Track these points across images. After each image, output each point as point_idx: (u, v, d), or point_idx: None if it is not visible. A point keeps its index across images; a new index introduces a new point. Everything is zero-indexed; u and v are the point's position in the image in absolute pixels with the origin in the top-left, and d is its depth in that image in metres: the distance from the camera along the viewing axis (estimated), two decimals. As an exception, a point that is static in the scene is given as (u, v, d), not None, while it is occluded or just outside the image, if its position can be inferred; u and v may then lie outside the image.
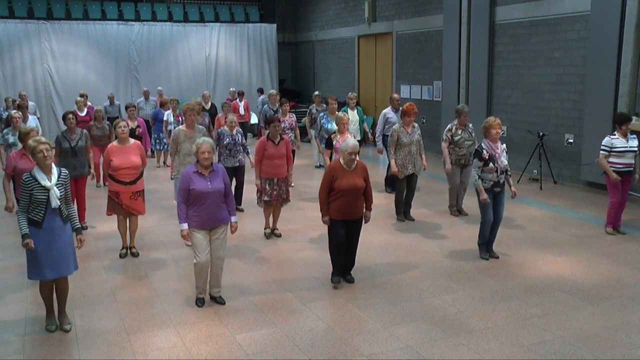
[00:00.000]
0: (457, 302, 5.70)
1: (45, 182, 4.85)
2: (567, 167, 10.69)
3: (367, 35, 16.70)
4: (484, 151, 6.57)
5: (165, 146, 12.33)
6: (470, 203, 8.80)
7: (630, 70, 9.27)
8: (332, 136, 8.21)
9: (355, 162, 5.86)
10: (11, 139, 8.49)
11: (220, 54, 18.66)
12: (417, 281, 6.23)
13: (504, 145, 6.77)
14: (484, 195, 6.57)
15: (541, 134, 10.72)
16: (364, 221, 6.12)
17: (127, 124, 7.02)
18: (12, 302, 5.84)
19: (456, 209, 8.80)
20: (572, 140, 10.45)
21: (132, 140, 6.93)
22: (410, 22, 14.73)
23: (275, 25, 19.54)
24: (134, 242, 7.17)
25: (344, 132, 7.96)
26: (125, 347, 4.89)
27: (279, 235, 7.76)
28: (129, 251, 7.12)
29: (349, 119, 8.25)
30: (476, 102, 12.57)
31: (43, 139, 5.01)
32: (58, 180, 4.95)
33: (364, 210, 6.07)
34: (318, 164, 12.63)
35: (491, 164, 6.54)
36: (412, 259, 6.93)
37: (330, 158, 8.21)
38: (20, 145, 7.23)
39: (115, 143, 6.87)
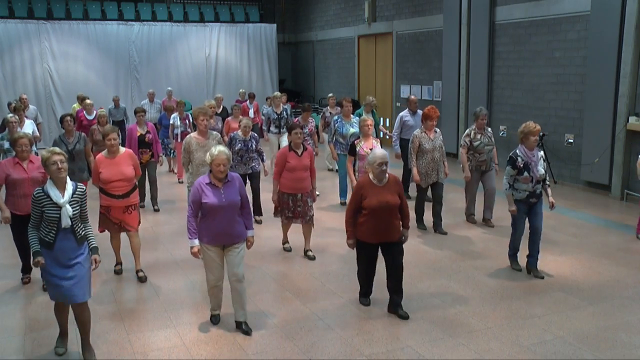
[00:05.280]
0: (457, 302, 5.70)
1: (57, 199, 4.39)
2: (567, 167, 10.69)
3: (367, 35, 16.70)
4: (519, 159, 6.09)
5: (173, 151, 11.72)
6: (499, 212, 8.34)
7: (630, 70, 9.27)
8: (355, 142, 7.60)
9: (387, 175, 5.27)
10: (6, 144, 7.88)
11: (220, 54, 18.65)
12: (417, 281, 6.23)
13: (542, 153, 6.28)
14: (513, 207, 6.18)
15: (541, 134, 10.71)
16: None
17: (118, 136, 6.29)
18: (12, 302, 5.84)
19: (482, 219, 8.25)
20: (572, 140, 10.45)
21: (122, 149, 6.30)
22: (410, 22, 14.73)
23: (275, 25, 19.55)
24: (140, 264, 6.49)
25: (368, 135, 7.53)
26: (125, 347, 4.89)
27: (313, 258, 6.92)
28: (135, 274, 6.47)
29: (373, 121, 7.74)
30: (476, 102, 12.56)
31: (57, 149, 4.54)
32: (72, 197, 4.49)
33: (402, 229, 5.40)
34: (332, 168, 12.13)
35: (526, 173, 6.06)
36: (412, 259, 6.92)
37: (354, 165, 7.62)
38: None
39: (104, 153, 6.23)
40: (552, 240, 7.53)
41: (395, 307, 5.39)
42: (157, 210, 9.23)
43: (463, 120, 12.95)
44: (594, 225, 8.23)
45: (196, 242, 4.96)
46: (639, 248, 7.21)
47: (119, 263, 6.60)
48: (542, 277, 6.23)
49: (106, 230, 6.34)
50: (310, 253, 6.98)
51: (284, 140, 11.34)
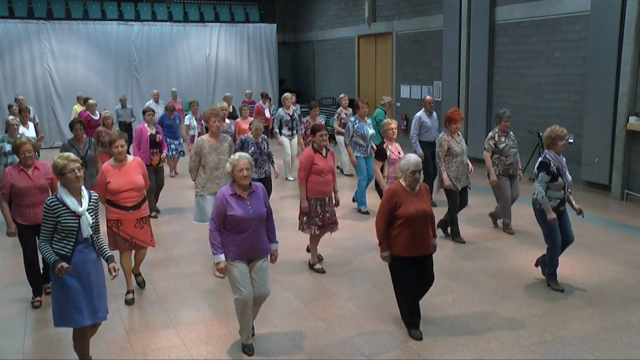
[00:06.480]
0: (457, 302, 5.70)
1: (76, 208, 4.13)
2: (567, 167, 10.66)
3: (367, 35, 16.70)
4: (552, 163, 5.80)
5: (176, 153, 11.42)
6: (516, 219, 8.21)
7: (630, 70, 9.27)
8: (384, 146, 7.30)
9: (419, 183, 4.98)
10: (7, 147, 7.65)
11: (220, 54, 18.66)
12: (417, 281, 6.23)
13: (564, 159, 6.04)
14: (552, 215, 5.75)
15: (541, 134, 10.68)
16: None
17: (125, 143, 5.84)
18: (12, 302, 5.84)
19: (490, 214, 8.15)
20: (572, 140, 10.43)
21: (130, 157, 5.88)
22: (410, 22, 14.74)
23: (275, 25, 19.56)
24: (139, 269, 6.18)
25: (392, 139, 7.29)
26: (125, 347, 4.90)
27: (321, 259, 6.84)
28: (134, 281, 6.09)
29: (397, 124, 7.48)
30: (476, 102, 12.58)
31: (72, 156, 4.25)
32: (89, 205, 4.24)
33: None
34: (348, 172, 11.66)
35: (560, 179, 5.80)
36: (412, 259, 6.92)
37: (382, 170, 7.30)
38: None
39: (111, 162, 5.74)
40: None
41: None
42: (158, 211, 9.15)
43: (463, 121, 12.90)
44: (594, 225, 8.23)
45: (222, 257, 4.58)
46: (639, 248, 7.21)
47: (130, 291, 5.89)
48: (562, 290, 5.97)
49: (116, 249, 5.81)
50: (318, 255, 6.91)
51: (295, 143, 11.25)
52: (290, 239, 7.65)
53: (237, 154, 4.68)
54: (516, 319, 5.29)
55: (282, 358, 4.69)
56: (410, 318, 5.02)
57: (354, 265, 6.74)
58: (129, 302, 5.79)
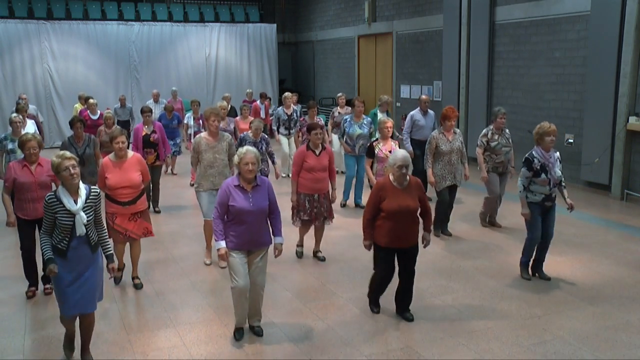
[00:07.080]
0: (457, 302, 5.70)
1: (70, 206, 4.22)
2: (567, 167, 10.68)
3: (367, 35, 16.70)
4: (535, 160, 5.92)
5: (178, 151, 11.54)
6: (504, 213, 8.41)
7: (630, 70, 9.27)
8: (374, 143, 7.51)
9: (408, 178, 5.07)
10: (10, 145, 7.71)
11: (220, 54, 18.65)
12: (417, 281, 6.18)
13: (558, 154, 6.10)
14: (526, 210, 6.00)
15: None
16: (422, 245, 5.29)
17: (126, 139, 6.03)
18: (12, 302, 5.84)
19: (489, 221, 8.19)
20: (572, 140, 10.45)
21: (131, 153, 6.02)
22: (410, 22, 14.74)
23: (275, 25, 19.54)
24: (137, 271, 6.28)
25: (387, 138, 7.45)
26: (125, 347, 4.90)
27: (323, 259, 6.91)
28: (131, 281, 6.26)
29: (392, 123, 7.61)
30: (476, 102, 12.58)
31: (68, 154, 4.34)
32: (86, 203, 4.31)
33: (424, 232, 5.25)
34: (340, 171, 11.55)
35: (543, 176, 5.90)
36: (412, 259, 6.92)
37: (371, 167, 7.50)
38: (19, 153, 6.22)
39: (111, 157, 5.93)
40: (552, 240, 7.51)
41: (403, 310, 5.36)
42: (158, 212, 9.18)
43: (463, 120, 12.94)
44: (594, 225, 8.23)
45: (223, 243, 4.74)
46: (639, 248, 7.21)
47: (120, 269, 6.26)
48: (549, 279, 6.16)
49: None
50: (320, 254, 6.95)
51: (292, 142, 11.30)
52: (290, 237, 7.63)
53: (245, 148, 4.80)
54: (516, 319, 5.29)
55: (281, 358, 4.69)
56: (374, 300, 5.47)
57: (353, 265, 6.74)
58: (116, 281, 6.25)
